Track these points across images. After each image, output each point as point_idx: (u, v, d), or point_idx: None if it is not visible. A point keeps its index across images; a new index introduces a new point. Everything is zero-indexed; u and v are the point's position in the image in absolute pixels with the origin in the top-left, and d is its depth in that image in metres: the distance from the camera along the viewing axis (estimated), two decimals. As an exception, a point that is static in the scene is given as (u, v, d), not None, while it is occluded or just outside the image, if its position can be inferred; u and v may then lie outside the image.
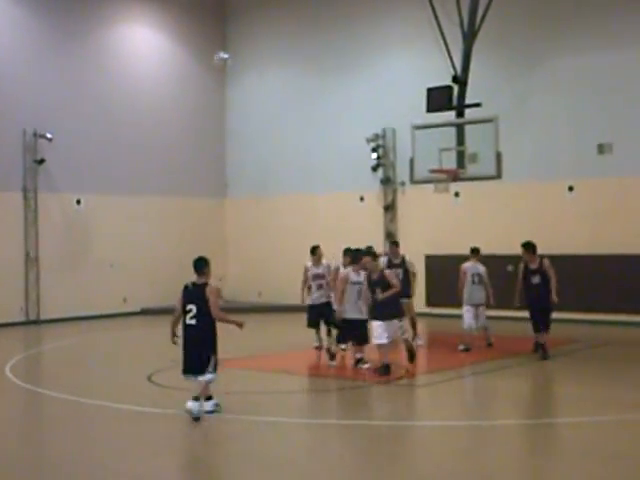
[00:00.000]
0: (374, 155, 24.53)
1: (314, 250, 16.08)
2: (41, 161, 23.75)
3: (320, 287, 15.70)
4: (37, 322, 23.53)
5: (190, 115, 27.82)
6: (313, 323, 15.83)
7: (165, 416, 10.92)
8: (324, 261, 16.00)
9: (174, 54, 27.63)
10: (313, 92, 26.64)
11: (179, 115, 27.49)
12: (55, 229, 24.29)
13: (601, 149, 21.42)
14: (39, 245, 23.82)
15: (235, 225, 28.46)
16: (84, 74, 25.19)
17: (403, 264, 16.46)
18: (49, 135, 23.67)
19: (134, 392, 12.63)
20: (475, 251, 17.14)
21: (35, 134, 23.74)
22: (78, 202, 24.97)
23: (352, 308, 14.31)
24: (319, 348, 15.81)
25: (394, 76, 24.71)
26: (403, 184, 23.96)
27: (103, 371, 15.39)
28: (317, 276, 15.76)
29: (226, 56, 26.25)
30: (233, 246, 28.49)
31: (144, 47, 26.94)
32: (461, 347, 16.30)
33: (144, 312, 25.24)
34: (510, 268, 21.67)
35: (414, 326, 16.86)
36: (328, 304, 15.51)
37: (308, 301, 15.93)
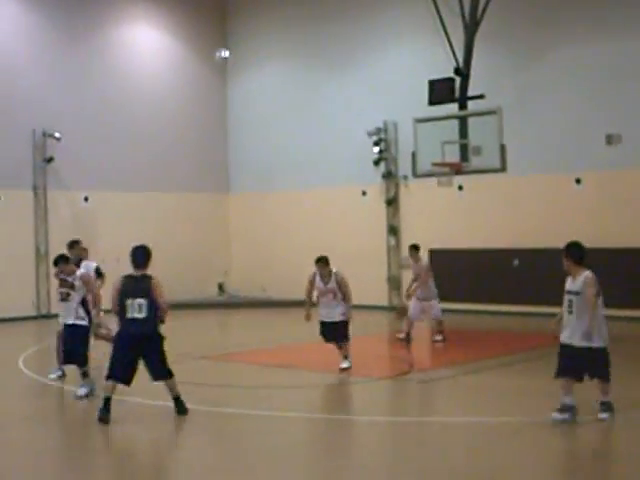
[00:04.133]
0: (376, 149, 24.44)
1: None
2: (50, 160, 24.14)
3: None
4: (48, 316, 23.84)
5: (193, 112, 28.05)
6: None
7: (165, 409, 11.15)
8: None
9: (176, 52, 27.87)
10: (314, 87, 26.68)
11: (182, 112, 27.73)
12: (64, 225, 24.58)
13: (609, 140, 20.79)
14: (49, 241, 24.16)
15: (239, 220, 28.61)
16: (90, 74, 25.53)
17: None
18: (57, 134, 24.02)
19: (145, 386, 12.85)
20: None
21: (44, 134, 24.10)
22: (86, 199, 25.32)
23: (326, 310, 13.85)
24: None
25: (395, 69, 24.64)
26: (406, 178, 23.78)
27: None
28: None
29: (226, 53, 26.44)
30: (237, 241, 28.65)
31: (146, 46, 27.22)
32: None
33: (152, 307, 25.47)
34: (516, 262, 21.69)
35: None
36: None
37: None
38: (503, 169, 18.41)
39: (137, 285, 10.20)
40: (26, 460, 8.80)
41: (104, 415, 10.00)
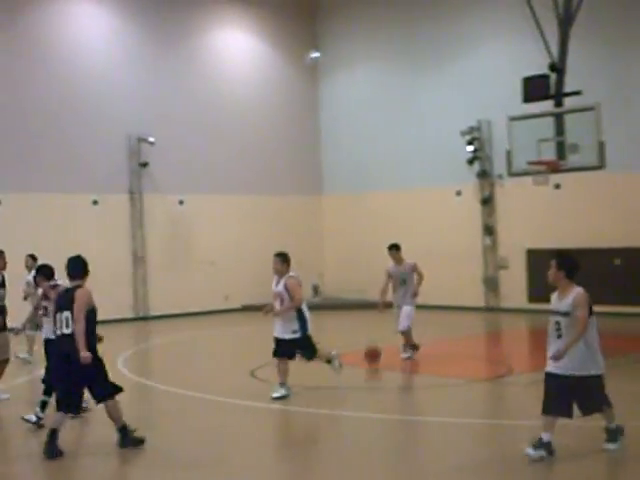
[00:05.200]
0: (470, 148, 24.11)
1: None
2: (145, 164, 24.59)
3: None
4: (145, 318, 24.33)
5: (284, 115, 28.18)
6: None
7: (268, 410, 11.17)
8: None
9: (266, 55, 28.05)
10: (405, 87, 26.53)
11: (273, 115, 27.90)
12: (160, 229, 25.07)
13: None
14: (145, 244, 24.61)
15: (332, 222, 28.63)
16: (182, 79, 25.93)
17: None
18: (151, 139, 24.42)
19: (238, 387, 12.94)
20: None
21: (138, 139, 24.55)
22: (180, 202, 25.69)
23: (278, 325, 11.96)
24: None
25: (487, 66, 24.32)
26: (501, 177, 23.36)
27: (208, 366, 15.82)
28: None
29: (317, 55, 26.48)
30: (330, 243, 28.67)
31: (237, 50, 27.48)
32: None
33: (245, 309, 25.71)
34: (618, 262, 21.11)
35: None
36: None
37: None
38: (601, 166, 17.97)
39: (66, 296, 9.16)
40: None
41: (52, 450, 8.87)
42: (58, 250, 23.16)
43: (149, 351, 19.26)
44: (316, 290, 27.86)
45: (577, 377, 8.03)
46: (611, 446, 8.31)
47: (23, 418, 10.31)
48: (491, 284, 24.23)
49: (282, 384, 11.63)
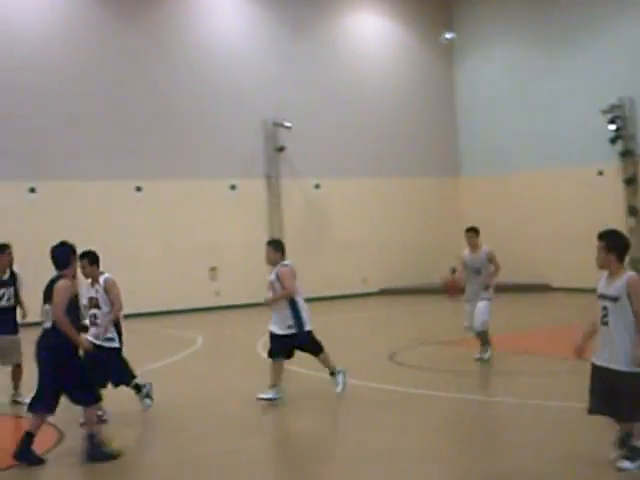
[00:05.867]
0: (612, 127, 23.25)
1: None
2: (281, 148, 24.83)
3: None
4: (285, 302, 24.60)
5: (419, 96, 27.92)
6: None
7: (408, 395, 11.10)
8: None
9: (401, 37, 27.84)
10: (542, 66, 25.84)
11: (409, 97, 27.70)
12: (297, 213, 25.31)
13: None
14: (283, 228, 24.91)
15: (470, 204, 28.20)
16: (317, 63, 26.04)
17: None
18: (288, 124, 24.63)
19: (377, 370, 12.92)
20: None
21: (274, 123, 24.81)
22: (317, 186, 25.87)
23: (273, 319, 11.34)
24: None
25: (629, 42, 23.42)
26: (646, 156, 22.61)
27: (345, 350, 15.83)
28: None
29: (452, 36, 26.10)
30: (468, 225, 28.21)
31: (372, 32, 27.38)
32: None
33: (383, 292, 25.66)
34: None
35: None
36: None
37: None
38: None
39: (49, 288, 8.42)
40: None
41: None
42: (198, 234, 23.87)
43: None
44: (454, 272, 27.52)
45: (626, 373, 7.02)
46: (626, 464, 7.17)
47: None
48: (636, 266, 23.35)
49: (273, 386, 10.65)
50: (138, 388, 10.32)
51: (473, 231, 13.42)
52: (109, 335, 9.73)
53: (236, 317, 22.15)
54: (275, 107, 24.86)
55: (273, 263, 11.11)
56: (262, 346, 15.78)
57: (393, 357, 13.87)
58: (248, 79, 24.86)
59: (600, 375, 7.15)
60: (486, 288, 12.99)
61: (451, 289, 12.30)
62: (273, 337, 10.91)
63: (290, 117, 24.71)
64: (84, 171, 22.41)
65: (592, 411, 7.30)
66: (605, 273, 7.25)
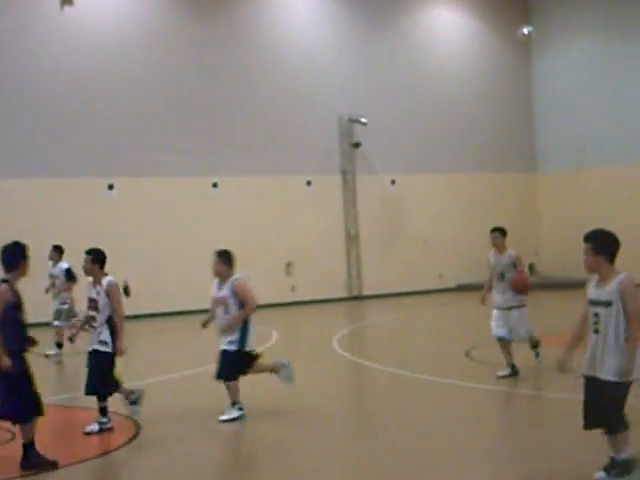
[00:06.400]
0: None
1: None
2: (357, 144, 24.82)
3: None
4: (358, 298, 24.63)
5: (496, 91, 27.62)
6: None
7: (484, 391, 10.97)
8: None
9: (477, 31, 27.60)
10: (622, 59, 25.46)
11: (485, 92, 27.42)
12: (372, 209, 25.27)
13: None
14: (358, 224, 24.89)
15: (549, 200, 27.81)
16: (393, 58, 25.95)
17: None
18: (363, 120, 24.59)
19: (453, 366, 12.80)
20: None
21: (350, 119, 24.79)
22: (392, 182, 25.78)
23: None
24: None
25: None
26: None
27: (421, 345, 15.78)
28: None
29: (529, 29, 25.71)
30: (547, 221, 27.86)
31: (448, 27, 27.20)
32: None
33: (459, 288, 25.45)
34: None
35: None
36: None
37: None
38: None
39: None
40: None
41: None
42: (274, 230, 24.01)
43: (363, 330, 19.48)
44: (532, 268, 27.15)
45: (614, 383, 6.33)
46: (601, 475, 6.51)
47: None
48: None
49: (233, 403, 9.44)
50: (104, 410, 9.11)
51: (498, 231, 12.24)
52: (102, 338, 8.95)
53: (311, 312, 22.22)
54: (351, 103, 24.84)
55: (222, 276, 9.50)
56: (337, 342, 15.82)
57: (470, 353, 13.72)
58: (324, 75, 24.90)
59: (589, 385, 6.46)
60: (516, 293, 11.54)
61: (518, 285, 11.24)
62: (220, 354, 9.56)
63: (366, 113, 24.66)
64: (161, 168, 22.73)
65: (587, 426, 6.51)
66: (595, 277, 6.57)
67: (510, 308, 11.44)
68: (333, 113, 24.86)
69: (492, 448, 8.24)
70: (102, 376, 8.98)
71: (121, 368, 9.35)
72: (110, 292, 9.00)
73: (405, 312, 21.65)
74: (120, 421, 9.28)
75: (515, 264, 11.72)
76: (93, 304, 9.04)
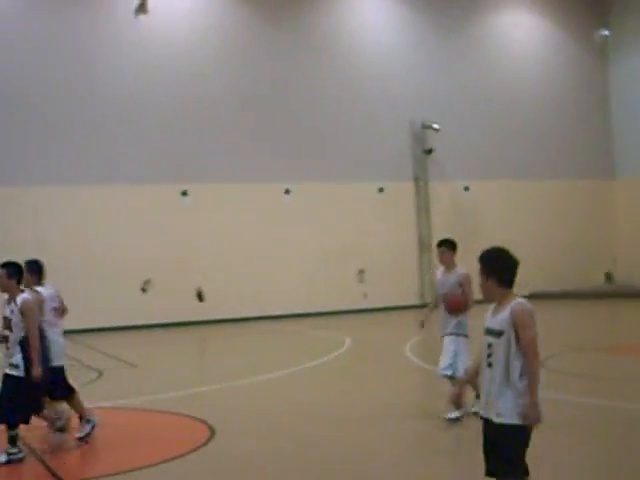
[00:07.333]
0: None
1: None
2: (430, 151, 24.66)
3: None
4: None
5: (571, 96, 27.20)
6: None
7: (559, 402, 10.75)
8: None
9: (553, 35, 27.28)
10: None
11: (560, 96, 27.05)
12: (445, 216, 25.06)
13: None
14: (431, 231, 24.71)
15: (627, 207, 27.20)
16: (466, 63, 25.76)
17: None
18: (436, 126, 24.43)
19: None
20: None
21: (423, 125, 24.66)
22: (466, 189, 25.53)
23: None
24: None
25: None
26: None
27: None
28: None
29: (606, 33, 25.22)
30: (625, 229, 27.25)
31: (520, 31, 26.96)
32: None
33: (533, 296, 24.99)
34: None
35: None
36: None
37: None
38: None
39: None
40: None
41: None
42: (346, 237, 23.97)
43: (435, 338, 19.21)
44: (609, 277, 26.61)
45: (509, 426, 5.34)
46: None
47: None
48: None
49: (58, 429, 8.85)
50: (13, 439, 8.10)
51: (445, 245, 9.72)
52: (13, 361, 8.07)
53: (383, 319, 22.10)
54: (423, 109, 24.72)
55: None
56: (410, 349, 15.70)
57: (545, 362, 13.45)
58: (396, 81, 24.83)
59: (484, 429, 5.52)
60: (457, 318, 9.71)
61: (453, 305, 9.59)
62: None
63: (438, 119, 24.51)
64: (234, 174, 22.92)
65: (489, 473, 5.50)
66: (493, 305, 5.80)
67: (450, 334, 9.74)
68: (405, 119, 24.76)
69: (576, 459, 8.03)
70: (12, 402, 8.02)
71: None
72: (24, 311, 8.04)
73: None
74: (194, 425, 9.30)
75: (462, 284, 9.56)
76: (7, 323, 8.18)
